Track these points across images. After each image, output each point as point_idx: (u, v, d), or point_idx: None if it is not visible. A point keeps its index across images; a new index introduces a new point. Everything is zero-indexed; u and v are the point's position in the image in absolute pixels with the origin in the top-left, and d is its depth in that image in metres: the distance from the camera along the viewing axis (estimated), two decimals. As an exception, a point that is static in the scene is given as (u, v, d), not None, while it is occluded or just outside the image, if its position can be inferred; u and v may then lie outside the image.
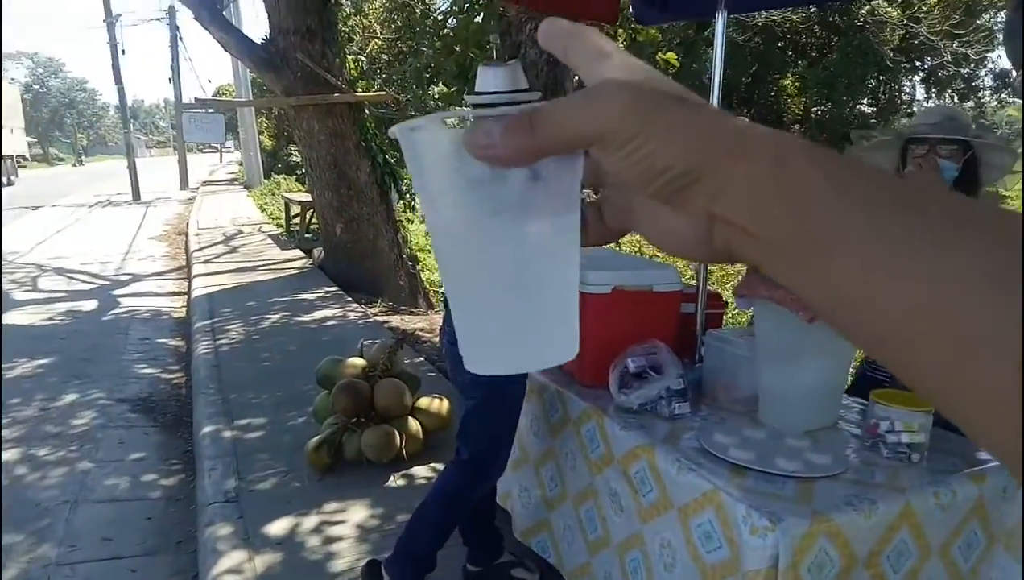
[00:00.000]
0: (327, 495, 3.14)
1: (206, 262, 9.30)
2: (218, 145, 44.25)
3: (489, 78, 2.29)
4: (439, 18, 6.42)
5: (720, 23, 2.45)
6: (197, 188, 23.04)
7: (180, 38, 23.11)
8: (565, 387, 2.32)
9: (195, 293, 7.36)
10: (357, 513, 3.00)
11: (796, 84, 23.90)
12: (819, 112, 23.99)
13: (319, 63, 7.24)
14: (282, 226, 12.47)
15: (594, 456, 2.10)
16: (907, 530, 1.65)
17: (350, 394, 3.33)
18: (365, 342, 3.88)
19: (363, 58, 17.87)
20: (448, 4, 6.16)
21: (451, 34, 5.46)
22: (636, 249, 7.98)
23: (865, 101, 25.39)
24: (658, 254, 5.50)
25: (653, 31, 5.84)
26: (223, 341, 5.56)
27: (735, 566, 1.58)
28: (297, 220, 11.09)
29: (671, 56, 5.52)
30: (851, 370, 2.41)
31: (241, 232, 12.23)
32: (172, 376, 5.18)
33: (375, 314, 6.78)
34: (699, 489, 1.70)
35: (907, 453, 1.81)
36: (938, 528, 1.69)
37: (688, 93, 0.32)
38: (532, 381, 2.48)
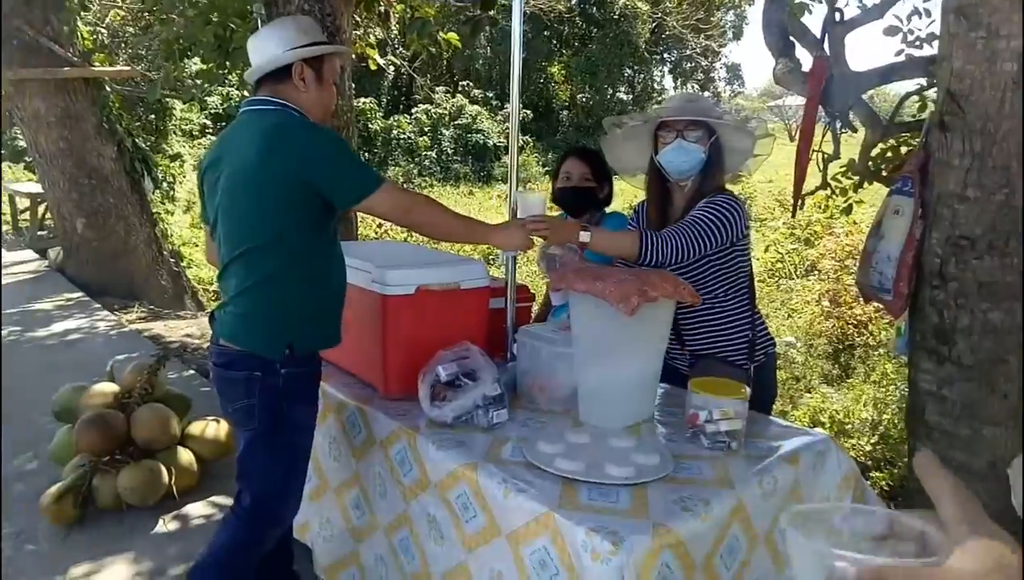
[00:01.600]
0: (75, 556, 2.56)
1: (-98, 271, 7.59)
2: (-82, 128, 37.05)
3: (267, 42, 1.89)
4: (191, -16, 5.68)
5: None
6: None
7: None
8: (367, 403, 2.03)
9: None
10: (117, 573, 2.48)
11: (562, 72, 25.07)
12: (584, 99, 25.41)
13: (42, 32, 6.15)
14: (8, 224, 10.63)
15: (407, 480, 1.85)
16: (737, 524, 1.59)
17: (99, 428, 2.76)
18: (117, 361, 3.27)
19: (102, 29, 15.73)
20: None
21: (206, 1, 4.82)
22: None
23: (623, 89, 27.37)
24: (465, 250, 5.26)
25: (430, 8, 5.61)
26: (-73, 370, 4.48)
27: (576, 594, 1.42)
28: (27, 216, 9.48)
29: (452, 36, 5.34)
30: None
31: (-48, 232, 10.21)
32: None
33: (132, 322, 5.92)
34: (530, 512, 1.51)
35: (726, 442, 1.77)
36: (762, 517, 1.66)
37: None
38: (327, 397, 2.16)
